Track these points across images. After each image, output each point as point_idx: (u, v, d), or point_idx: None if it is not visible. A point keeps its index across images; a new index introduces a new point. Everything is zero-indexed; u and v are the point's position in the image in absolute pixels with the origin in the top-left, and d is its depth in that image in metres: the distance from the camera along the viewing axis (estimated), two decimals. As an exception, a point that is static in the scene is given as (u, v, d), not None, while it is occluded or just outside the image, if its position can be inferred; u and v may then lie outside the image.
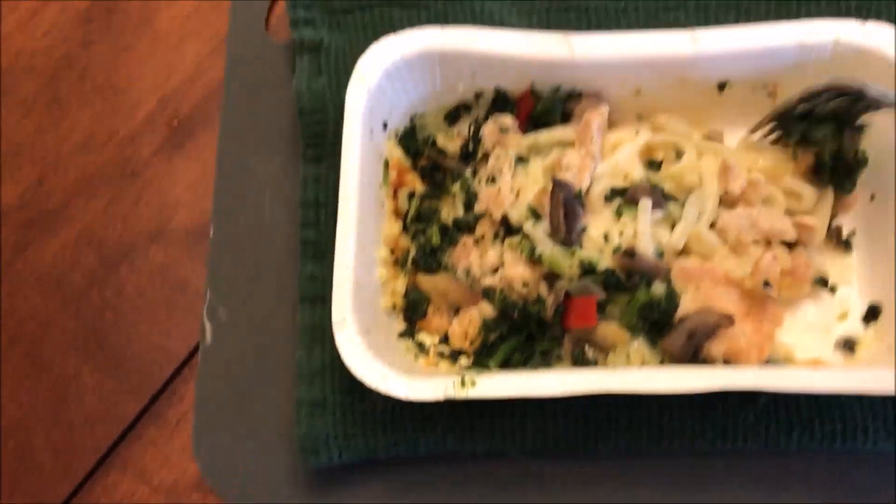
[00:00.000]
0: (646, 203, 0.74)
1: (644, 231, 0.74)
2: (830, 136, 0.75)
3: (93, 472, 0.80)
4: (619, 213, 0.75)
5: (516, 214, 0.76)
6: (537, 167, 0.78)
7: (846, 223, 0.79)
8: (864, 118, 0.75)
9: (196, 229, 0.86)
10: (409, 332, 0.78)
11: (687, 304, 0.74)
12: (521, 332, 0.75)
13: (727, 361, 0.73)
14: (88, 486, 0.80)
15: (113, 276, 0.86)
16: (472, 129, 0.83)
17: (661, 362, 0.74)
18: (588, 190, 0.76)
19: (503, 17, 0.85)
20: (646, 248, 0.74)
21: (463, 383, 0.69)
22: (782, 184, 0.77)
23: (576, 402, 0.74)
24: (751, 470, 0.75)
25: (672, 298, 0.74)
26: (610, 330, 0.74)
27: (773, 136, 0.79)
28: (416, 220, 0.80)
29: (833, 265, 0.78)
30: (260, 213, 0.84)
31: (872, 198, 0.77)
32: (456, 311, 0.78)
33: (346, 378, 0.75)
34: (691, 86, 0.78)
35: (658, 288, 0.74)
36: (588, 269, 0.74)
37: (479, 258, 0.77)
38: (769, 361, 0.73)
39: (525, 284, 0.74)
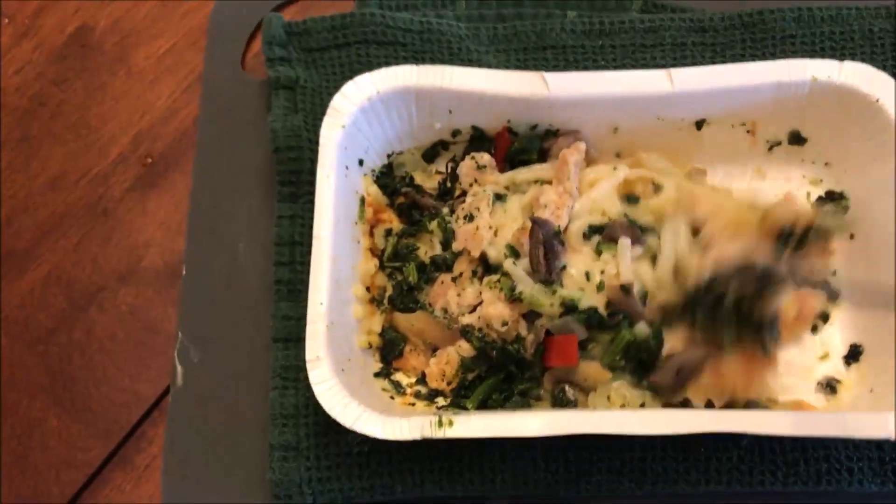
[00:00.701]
0: (625, 242, 0.73)
1: (626, 269, 0.73)
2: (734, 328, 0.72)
3: (57, 521, 0.78)
4: (598, 251, 0.74)
5: (494, 252, 0.75)
6: (515, 205, 0.78)
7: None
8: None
9: (167, 269, 0.85)
10: (385, 372, 0.77)
11: (672, 341, 0.72)
12: (499, 372, 0.74)
13: (712, 397, 0.72)
14: (52, 535, 0.77)
15: (82, 317, 0.84)
16: (449, 166, 0.82)
17: (643, 402, 0.73)
18: (566, 228, 0.75)
19: (480, 56, 0.85)
20: (629, 285, 0.73)
21: (440, 423, 0.67)
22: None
23: (556, 443, 0.72)
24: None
25: (659, 336, 0.73)
26: (591, 369, 0.72)
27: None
28: (393, 258, 0.79)
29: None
30: (233, 253, 0.83)
31: (852, 237, 0.77)
32: (433, 350, 0.76)
33: (320, 420, 0.73)
34: (669, 124, 0.78)
35: (642, 327, 0.72)
36: (569, 308, 0.72)
37: (457, 296, 0.75)
38: (751, 404, 0.72)
39: (504, 323, 0.72)
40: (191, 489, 0.76)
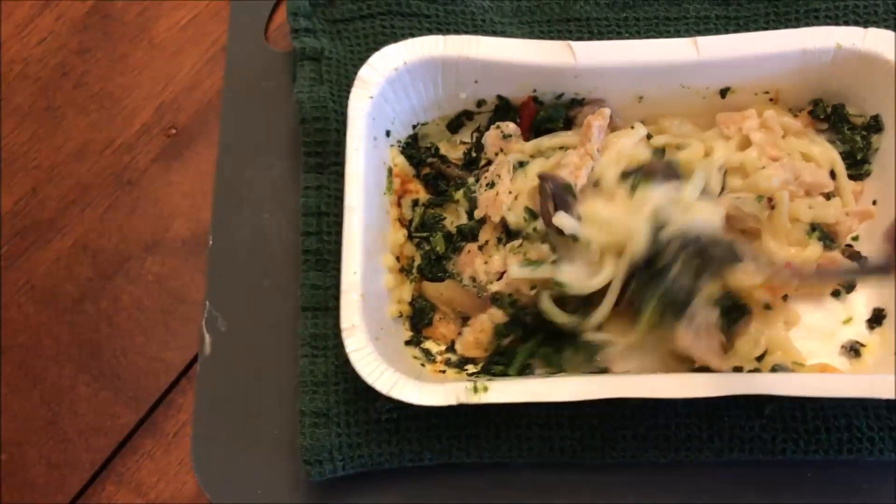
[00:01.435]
0: (698, 176, 0.72)
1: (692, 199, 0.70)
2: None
3: (87, 486, 0.79)
4: (633, 189, 0.72)
5: (514, 217, 0.75)
6: (536, 170, 0.77)
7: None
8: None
9: (194, 239, 0.85)
10: (416, 340, 0.77)
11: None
12: (537, 334, 0.74)
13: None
14: (83, 500, 0.78)
15: (108, 286, 0.84)
16: (474, 136, 0.82)
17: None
18: (598, 180, 0.74)
19: (504, 28, 0.85)
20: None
21: (475, 389, 0.68)
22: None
23: (583, 411, 0.73)
24: (757, 480, 0.75)
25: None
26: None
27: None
28: (421, 228, 0.80)
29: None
30: (259, 223, 0.83)
31: (875, 203, 0.78)
32: (463, 318, 0.77)
33: (349, 387, 0.74)
34: (694, 92, 0.79)
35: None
36: None
37: (484, 264, 0.76)
38: (777, 368, 0.73)
39: (532, 287, 0.73)
40: (220, 455, 0.77)
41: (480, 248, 0.77)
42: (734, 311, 0.75)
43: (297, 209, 0.81)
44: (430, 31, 0.85)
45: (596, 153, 0.76)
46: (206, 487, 0.76)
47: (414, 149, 0.82)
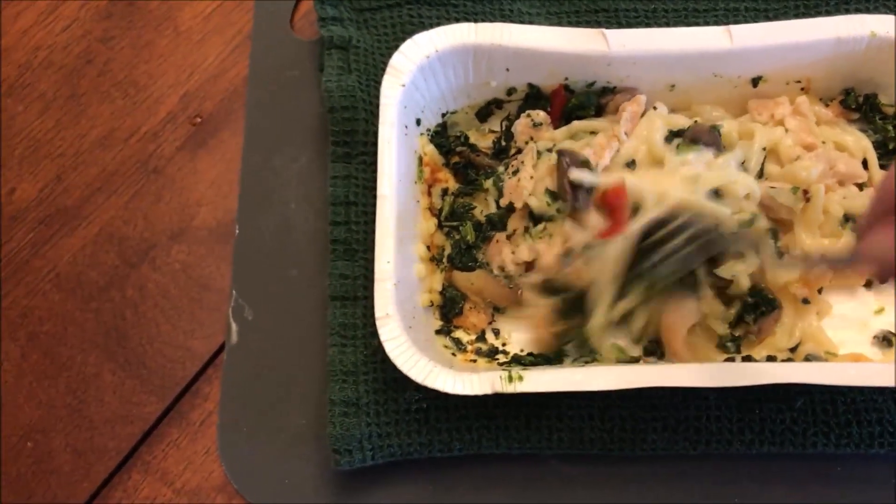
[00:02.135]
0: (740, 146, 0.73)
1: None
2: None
3: (113, 474, 0.78)
4: (679, 151, 0.74)
5: (536, 202, 0.75)
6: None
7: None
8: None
9: (220, 228, 0.85)
10: (446, 330, 0.77)
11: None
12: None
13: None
14: (109, 488, 0.78)
15: (134, 274, 0.84)
16: (504, 125, 0.82)
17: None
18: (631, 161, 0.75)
19: (532, 19, 0.85)
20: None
21: (510, 378, 0.68)
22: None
23: (613, 402, 0.73)
24: (786, 474, 0.74)
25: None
26: None
27: None
28: (451, 217, 0.79)
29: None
30: (285, 212, 0.83)
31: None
32: (493, 308, 0.77)
33: (379, 377, 0.74)
34: (726, 81, 0.79)
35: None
36: None
37: (511, 254, 0.76)
38: (810, 357, 0.73)
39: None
40: (246, 443, 0.76)
41: (509, 237, 0.77)
42: (764, 305, 0.75)
43: (324, 199, 0.81)
44: (457, 20, 0.84)
45: (623, 136, 0.76)
46: (233, 476, 0.76)
47: (443, 137, 0.82)
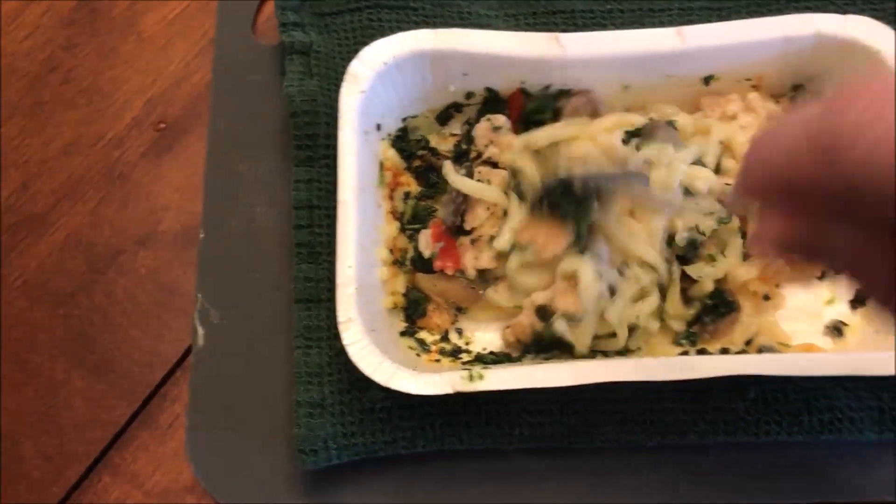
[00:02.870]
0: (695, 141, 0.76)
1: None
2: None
3: (84, 478, 0.79)
4: (638, 150, 0.76)
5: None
6: None
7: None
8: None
9: (185, 233, 0.86)
10: (411, 331, 0.79)
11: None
12: None
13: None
14: (79, 491, 0.79)
15: (101, 280, 0.85)
16: (464, 128, 0.84)
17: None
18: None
19: (490, 21, 0.86)
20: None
21: (471, 377, 0.70)
22: None
23: (572, 397, 0.75)
24: (741, 464, 0.76)
25: None
26: None
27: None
28: (413, 220, 0.81)
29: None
30: (250, 216, 0.84)
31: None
32: (456, 308, 0.79)
33: (343, 378, 0.75)
34: (678, 80, 0.80)
35: None
36: None
37: (474, 259, 0.77)
38: (763, 349, 0.75)
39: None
40: (215, 444, 0.78)
41: (473, 241, 0.79)
42: (723, 307, 0.77)
43: (288, 202, 0.82)
44: (417, 24, 0.85)
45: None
46: (202, 477, 0.77)
47: (404, 141, 0.83)
